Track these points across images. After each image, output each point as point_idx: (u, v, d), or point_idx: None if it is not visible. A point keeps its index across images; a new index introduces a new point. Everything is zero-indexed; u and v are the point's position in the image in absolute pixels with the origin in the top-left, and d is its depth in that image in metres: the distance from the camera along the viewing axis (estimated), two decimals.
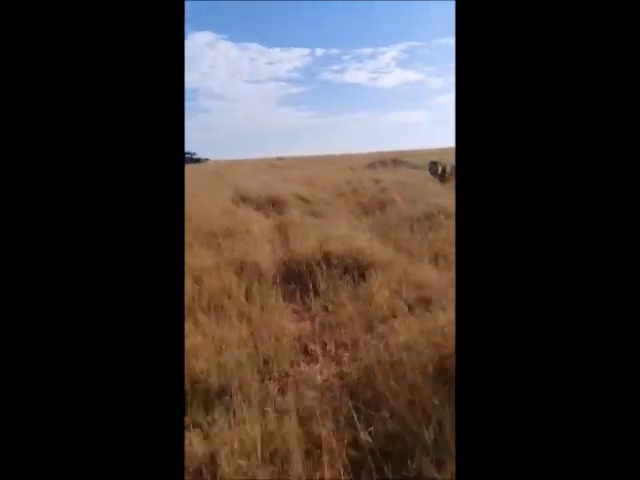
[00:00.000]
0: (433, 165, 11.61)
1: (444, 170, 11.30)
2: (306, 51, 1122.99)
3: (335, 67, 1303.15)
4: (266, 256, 4.27)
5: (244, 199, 9.76)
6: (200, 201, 7.77)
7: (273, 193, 9.44)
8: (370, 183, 11.64)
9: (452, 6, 1.20)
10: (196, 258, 4.05)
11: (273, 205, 8.45)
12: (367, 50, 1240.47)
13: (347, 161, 28.50)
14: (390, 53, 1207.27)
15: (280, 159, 47.20)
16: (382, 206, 7.51)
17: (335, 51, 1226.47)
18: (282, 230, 5.90)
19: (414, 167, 17.67)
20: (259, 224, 6.18)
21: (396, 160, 19.98)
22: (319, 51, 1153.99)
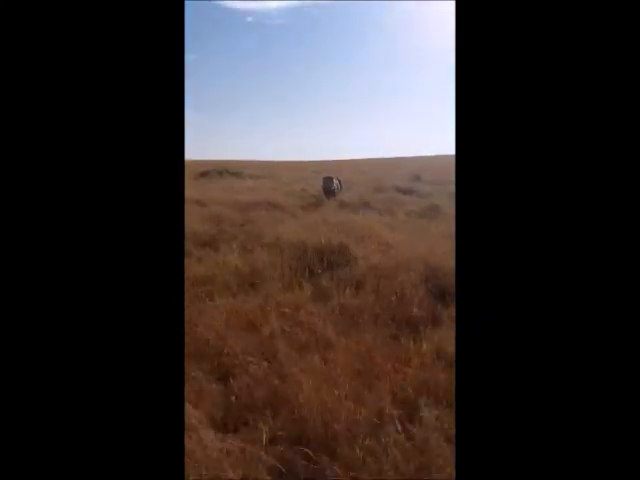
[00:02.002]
0: (329, 180, 11.16)
1: (336, 187, 11.26)
2: None
3: None
4: None
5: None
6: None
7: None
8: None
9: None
10: None
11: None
12: None
13: None
14: None
15: None
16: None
17: None
18: None
19: (252, 177, 18.54)
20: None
21: (229, 171, 20.49)
22: None
